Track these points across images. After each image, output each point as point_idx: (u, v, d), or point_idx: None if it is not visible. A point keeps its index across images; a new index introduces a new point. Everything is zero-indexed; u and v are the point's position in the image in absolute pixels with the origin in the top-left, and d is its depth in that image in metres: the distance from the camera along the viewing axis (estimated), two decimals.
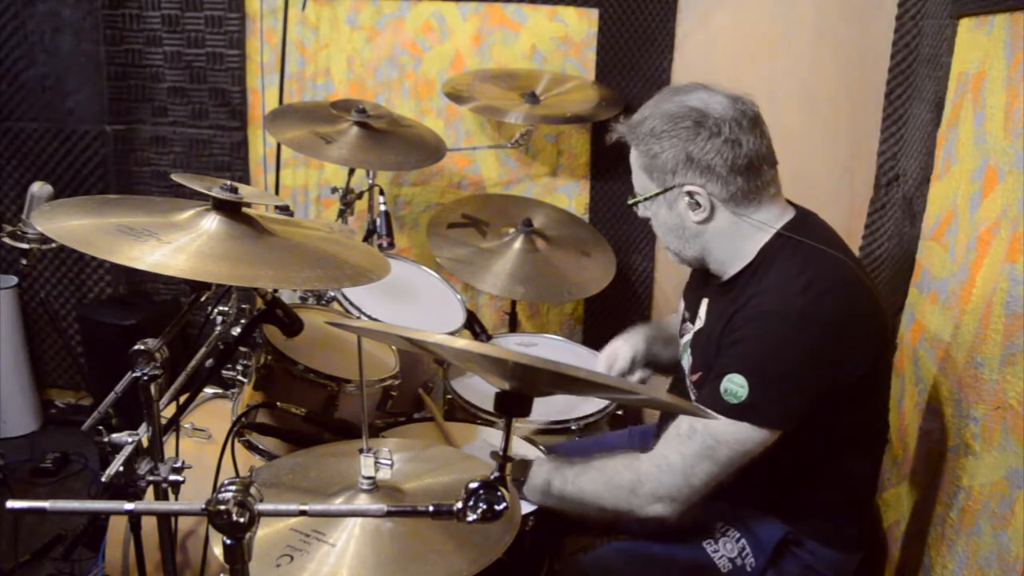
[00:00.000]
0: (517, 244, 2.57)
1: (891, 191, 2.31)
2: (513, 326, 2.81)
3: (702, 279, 1.68)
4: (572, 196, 2.99)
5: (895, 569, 1.79)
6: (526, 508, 1.59)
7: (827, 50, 2.60)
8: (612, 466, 1.52)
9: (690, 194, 1.50)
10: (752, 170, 1.48)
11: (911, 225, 2.06)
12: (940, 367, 1.69)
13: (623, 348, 1.91)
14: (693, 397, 1.60)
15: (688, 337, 1.68)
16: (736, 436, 1.41)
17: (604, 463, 1.54)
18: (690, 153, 1.47)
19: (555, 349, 2.46)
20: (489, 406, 2.01)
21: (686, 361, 1.67)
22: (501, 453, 1.03)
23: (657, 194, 1.54)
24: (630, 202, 1.61)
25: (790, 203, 1.58)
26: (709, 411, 1.38)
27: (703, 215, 1.51)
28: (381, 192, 2.47)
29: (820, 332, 1.41)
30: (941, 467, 1.60)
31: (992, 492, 1.39)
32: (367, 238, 2.57)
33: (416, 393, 2.09)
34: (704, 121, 1.46)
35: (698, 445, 1.43)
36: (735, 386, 1.40)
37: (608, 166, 2.92)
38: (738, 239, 1.53)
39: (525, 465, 1.61)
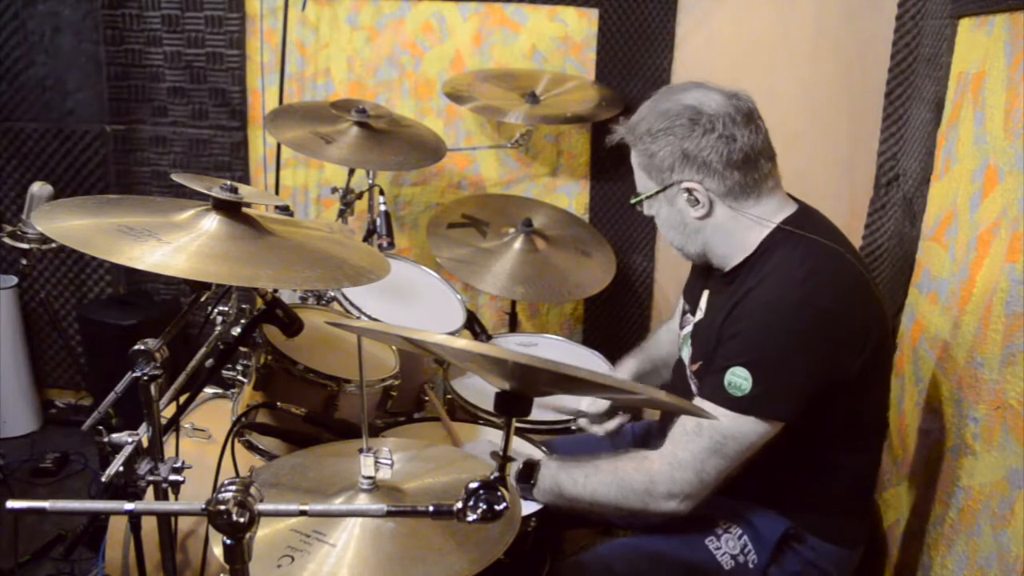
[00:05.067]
0: (517, 244, 2.57)
1: (891, 191, 2.30)
2: (513, 326, 2.81)
3: (704, 272, 1.69)
4: (572, 196, 2.99)
5: (895, 569, 1.79)
6: (528, 508, 1.59)
7: (827, 50, 2.60)
8: (622, 468, 1.52)
9: (688, 190, 1.52)
10: (748, 164, 1.49)
11: (911, 225, 2.06)
12: (940, 367, 1.69)
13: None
14: (693, 387, 1.61)
15: (688, 329, 1.69)
16: (742, 430, 1.42)
17: (613, 464, 1.54)
18: (686, 150, 1.49)
19: (555, 349, 2.46)
20: (489, 406, 2.01)
21: (686, 352, 1.68)
22: (501, 453, 1.03)
23: (657, 192, 1.57)
24: (632, 201, 1.63)
25: (791, 197, 1.59)
26: (709, 412, 1.38)
27: (702, 211, 1.53)
28: (381, 192, 2.47)
29: (819, 322, 1.42)
30: (941, 467, 1.60)
31: (992, 492, 1.39)
32: (367, 238, 2.56)
33: (416, 393, 2.09)
34: (698, 118, 1.48)
35: (706, 441, 1.44)
36: (739, 379, 1.41)
37: (608, 166, 2.92)
38: (738, 233, 1.54)
39: (532, 467, 1.61)
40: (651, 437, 1.88)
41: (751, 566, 1.55)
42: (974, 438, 1.47)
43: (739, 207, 1.52)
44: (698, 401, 1.48)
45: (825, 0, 2.58)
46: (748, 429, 1.42)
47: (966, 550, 1.45)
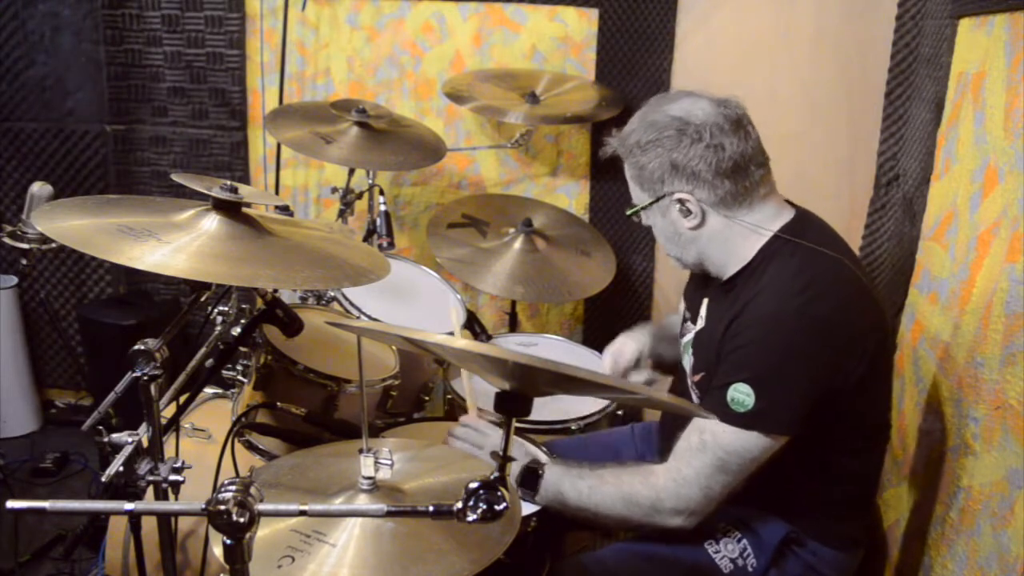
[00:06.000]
0: (517, 244, 2.56)
1: (891, 191, 2.31)
2: (513, 326, 2.81)
3: (703, 280, 1.68)
4: (572, 196, 2.99)
5: (895, 569, 1.79)
6: (528, 509, 1.59)
7: (827, 50, 2.60)
8: (628, 482, 1.52)
9: (680, 201, 1.52)
10: (739, 172, 1.49)
11: (911, 225, 2.06)
12: (940, 367, 1.69)
13: (628, 344, 1.91)
14: (695, 398, 1.61)
15: (689, 337, 1.69)
16: (746, 446, 1.42)
17: (618, 478, 1.53)
18: (674, 161, 1.49)
19: (555, 349, 2.46)
20: (489, 406, 2.01)
21: (687, 362, 1.67)
22: (501, 453, 1.03)
23: (650, 204, 1.57)
24: (628, 212, 1.63)
25: (789, 203, 1.58)
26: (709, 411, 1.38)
27: (695, 221, 1.53)
28: (381, 192, 2.47)
29: (818, 332, 1.41)
30: (941, 467, 1.60)
31: (992, 492, 1.39)
32: (367, 238, 2.56)
33: (416, 393, 2.09)
34: (686, 128, 1.48)
35: (710, 458, 1.44)
36: (741, 395, 1.41)
37: (608, 166, 2.90)
38: (733, 241, 1.53)
39: (535, 474, 1.60)
40: (652, 437, 1.88)
41: (750, 570, 1.55)
42: (974, 438, 1.47)
43: (732, 216, 1.51)
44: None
45: (825, 0, 2.58)
46: (752, 444, 1.42)
47: (966, 550, 1.45)
